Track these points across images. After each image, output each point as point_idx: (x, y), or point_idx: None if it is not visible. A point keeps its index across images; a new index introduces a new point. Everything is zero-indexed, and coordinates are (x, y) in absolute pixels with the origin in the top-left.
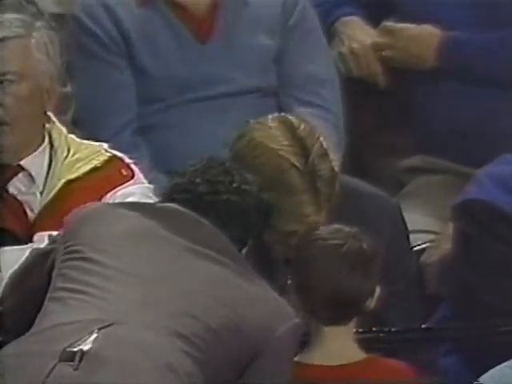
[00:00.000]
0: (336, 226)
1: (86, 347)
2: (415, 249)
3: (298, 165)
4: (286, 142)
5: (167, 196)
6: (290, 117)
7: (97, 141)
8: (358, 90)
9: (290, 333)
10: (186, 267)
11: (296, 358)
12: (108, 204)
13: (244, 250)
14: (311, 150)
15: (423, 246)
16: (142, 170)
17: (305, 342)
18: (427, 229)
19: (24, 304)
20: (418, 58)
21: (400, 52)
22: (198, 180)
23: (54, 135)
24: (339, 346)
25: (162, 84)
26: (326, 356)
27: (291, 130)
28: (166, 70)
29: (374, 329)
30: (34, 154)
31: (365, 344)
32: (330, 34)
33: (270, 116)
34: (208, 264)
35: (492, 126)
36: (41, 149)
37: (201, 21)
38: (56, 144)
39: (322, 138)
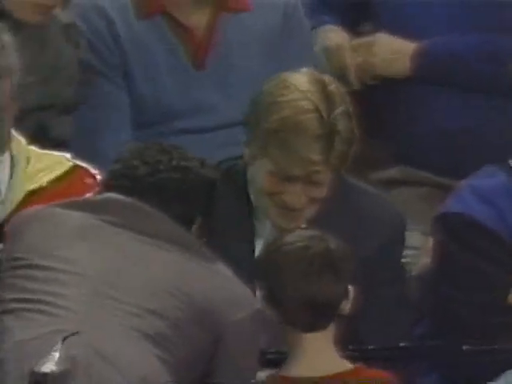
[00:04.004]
0: (299, 230)
1: (53, 367)
2: None
3: (321, 111)
4: (315, 89)
5: (105, 184)
6: (325, 76)
7: (91, 160)
8: None
9: (250, 319)
10: (138, 260)
11: (277, 372)
12: (48, 205)
13: (193, 228)
14: (338, 105)
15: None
16: None
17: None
18: (406, 243)
19: None
20: (393, 67)
21: (375, 61)
22: (135, 163)
23: (13, 145)
24: (321, 355)
25: (151, 108)
26: (307, 367)
27: (322, 84)
28: (157, 93)
29: (350, 347)
30: None
31: None
32: None
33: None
34: (160, 254)
35: (474, 136)
36: (3, 157)
37: (199, 44)
38: (15, 154)
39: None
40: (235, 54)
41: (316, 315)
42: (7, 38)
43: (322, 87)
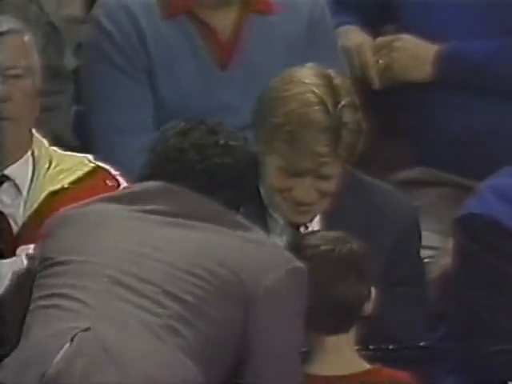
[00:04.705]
0: (321, 232)
1: (57, 366)
2: None
3: (327, 104)
4: (320, 83)
5: (155, 168)
6: (330, 70)
7: (110, 161)
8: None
9: (286, 275)
10: (159, 244)
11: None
12: (78, 205)
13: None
14: (343, 97)
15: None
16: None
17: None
18: (427, 244)
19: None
20: (414, 72)
21: (396, 66)
22: (184, 146)
23: (35, 146)
24: (342, 355)
25: (174, 108)
26: (328, 366)
27: (328, 78)
28: (181, 93)
29: (371, 347)
30: (18, 162)
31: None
32: None
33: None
34: (182, 233)
35: (494, 138)
36: (24, 158)
37: (223, 45)
38: (37, 155)
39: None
40: (260, 55)
41: (340, 318)
42: (28, 38)
43: (328, 80)
